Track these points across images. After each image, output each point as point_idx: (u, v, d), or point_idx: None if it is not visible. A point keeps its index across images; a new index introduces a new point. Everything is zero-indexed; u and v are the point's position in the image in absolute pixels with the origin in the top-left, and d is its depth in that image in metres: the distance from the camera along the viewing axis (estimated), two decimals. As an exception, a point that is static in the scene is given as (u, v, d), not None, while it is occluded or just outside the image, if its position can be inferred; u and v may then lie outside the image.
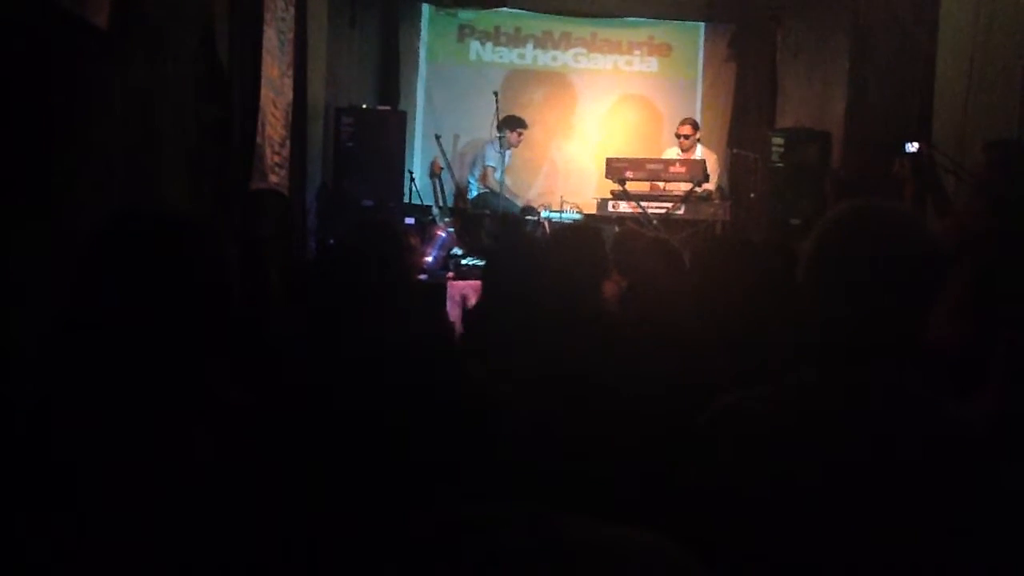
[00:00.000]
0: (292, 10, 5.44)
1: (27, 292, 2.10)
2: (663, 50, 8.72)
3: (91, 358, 1.18)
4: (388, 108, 7.59)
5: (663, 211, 6.41)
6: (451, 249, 6.64)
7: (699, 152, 7.14)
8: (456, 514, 0.88)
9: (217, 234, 1.31)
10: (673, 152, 7.18)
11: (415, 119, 8.22)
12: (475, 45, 8.64)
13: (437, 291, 5.69)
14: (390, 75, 8.31)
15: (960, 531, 1.20)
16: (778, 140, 6.86)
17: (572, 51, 8.70)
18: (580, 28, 8.67)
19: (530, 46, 8.68)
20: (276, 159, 5.15)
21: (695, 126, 7.19)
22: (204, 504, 1.10)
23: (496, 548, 0.88)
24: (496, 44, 8.67)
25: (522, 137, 7.52)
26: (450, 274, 6.24)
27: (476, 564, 0.87)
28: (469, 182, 7.57)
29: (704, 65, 8.70)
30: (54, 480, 1.08)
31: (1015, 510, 1.22)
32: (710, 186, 6.68)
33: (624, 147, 8.59)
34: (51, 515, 1.07)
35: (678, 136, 7.14)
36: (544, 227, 6.64)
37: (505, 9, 8.40)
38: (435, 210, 7.12)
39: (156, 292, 1.21)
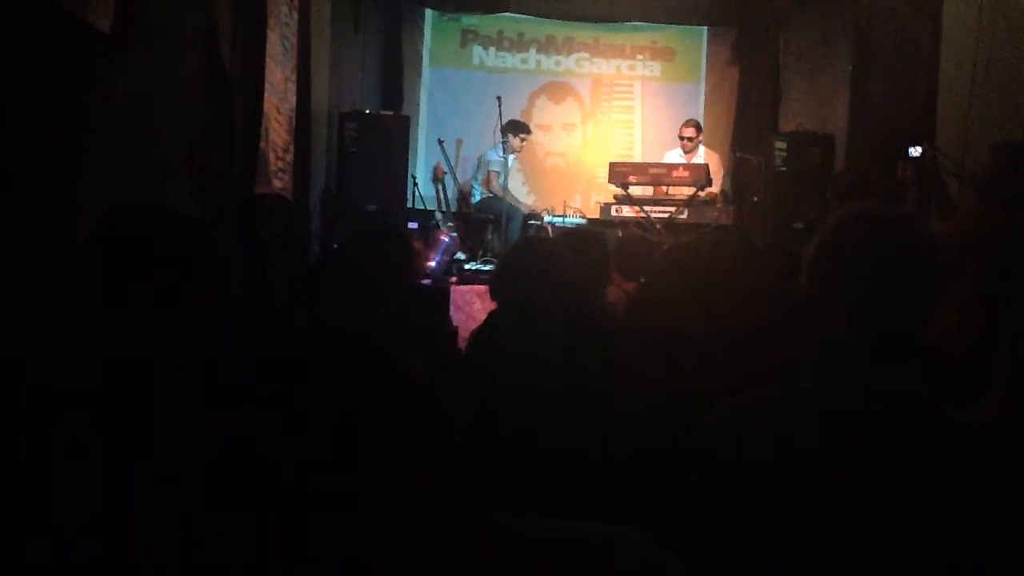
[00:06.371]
0: (296, 15, 5.44)
1: (27, 292, 2.10)
2: (666, 54, 8.73)
3: (91, 356, 1.18)
4: (391, 113, 7.60)
5: (666, 215, 6.41)
6: (455, 254, 6.64)
7: (701, 153, 7.14)
8: (429, 518, 0.89)
9: (218, 232, 1.31)
10: (675, 154, 7.17)
11: (418, 124, 8.23)
12: (478, 50, 8.66)
13: (440, 296, 5.70)
14: (393, 80, 8.33)
15: (961, 536, 1.19)
16: (781, 144, 6.84)
17: (575, 56, 8.72)
18: (583, 33, 8.68)
19: (533, 51, 8.70)
20: (280, 164, 5.15)
21: (698, 128, 7.18)
22: (202, 500, 1.10)
23: (467, 551, 0.88)
24: (499, 49, 8.69)
25: (525, 142, 7.52)
26: (453, 279, 6.24)
27: (450, 567, 0.87)
28: (472, 187, 7.57)
29: (707, 69, 8.72)
30: (54, 478, 1.08)
31: (1016, 515, 1.21)
32: (714, 190, 6.67)
33: (627, 151, 8.60)
34: (51, 513, 1.07)
35: (681, 138, 7.12)
36: (548, 232, 6.64)
37: (508, 14, 8.42)
38: (438, 215, 7.11)
39: (157, 290, 1.21)
